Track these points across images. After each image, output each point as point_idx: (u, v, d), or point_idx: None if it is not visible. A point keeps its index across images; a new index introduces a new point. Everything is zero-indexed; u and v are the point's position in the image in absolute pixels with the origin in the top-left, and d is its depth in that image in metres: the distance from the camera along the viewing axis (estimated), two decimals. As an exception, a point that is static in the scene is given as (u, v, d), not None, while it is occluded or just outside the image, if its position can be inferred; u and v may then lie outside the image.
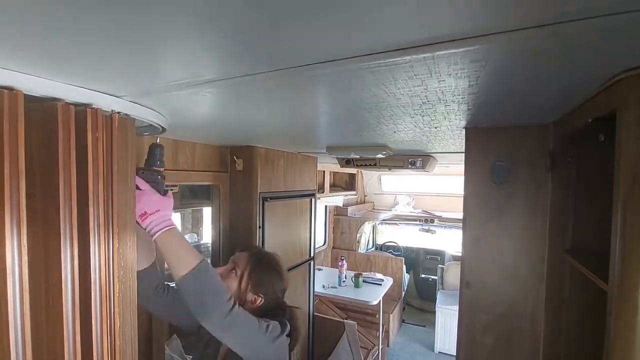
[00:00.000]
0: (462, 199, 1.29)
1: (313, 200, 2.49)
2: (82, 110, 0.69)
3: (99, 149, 0.70)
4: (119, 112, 0.74)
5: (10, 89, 0.58)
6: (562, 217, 1.10)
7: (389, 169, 2.37)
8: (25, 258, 0.59)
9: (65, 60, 0.56)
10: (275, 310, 1.11)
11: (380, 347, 3.58)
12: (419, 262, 5.47)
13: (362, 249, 4.94)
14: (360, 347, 3.09)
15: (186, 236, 1.85)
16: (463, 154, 1.30)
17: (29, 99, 0.61)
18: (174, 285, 1.00)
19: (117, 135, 0.74)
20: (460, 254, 1.34)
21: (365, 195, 5.25)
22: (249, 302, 1.08)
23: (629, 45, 0.51)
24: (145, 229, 0.87)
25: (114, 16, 0.41)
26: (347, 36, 0.48)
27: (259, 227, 1.87)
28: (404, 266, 4.66)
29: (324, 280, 3.70)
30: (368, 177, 5.07)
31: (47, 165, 0.63)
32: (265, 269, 1.13)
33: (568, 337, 1.08)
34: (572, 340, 1.08)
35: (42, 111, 0.64)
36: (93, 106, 0.71)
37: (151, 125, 0.92)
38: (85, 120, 0.69)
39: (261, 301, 1.09)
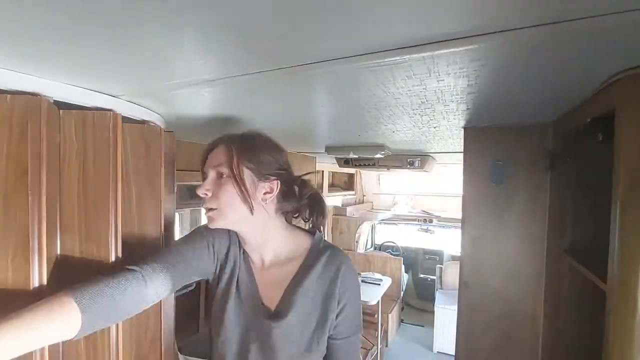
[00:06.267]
0: (461, 198, 1.29)
1: (312, 200, 2.48)
2: (80, 111, 0.69)
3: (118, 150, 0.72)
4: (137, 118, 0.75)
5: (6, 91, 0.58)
6: (561, 216, 1.10)
7: (388, 169, 2.36)
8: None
9: (61, 59, 0.55)
10: (299, 188, 0.83)
11: (379, 347, 3.58)
12: (418, 262, 5.47)
13: (360, 249, 4.94)
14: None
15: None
16: (462, 154, 1.30)
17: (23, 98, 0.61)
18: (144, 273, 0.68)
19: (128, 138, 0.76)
20: (459, 254, 1.34)
21: (364, 195, 5.25)
22: (268, 194, 0.77)
23: (628, 45, 0.51)
24: None
25: (111, 16, 0.41)
26: (346, 35, 0.48)
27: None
28: (403, 266, 4.66)
29: (322, 280, 3.68)
30: (367, 177, 5.07)
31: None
32: (256, 147, 0.77)
33: (567, 336, 1.09)
34: (571, 340, 1.08)
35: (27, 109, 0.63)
36: (91, 106, 0.71)
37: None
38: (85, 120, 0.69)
39: (278, 184, 0.77)
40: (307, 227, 0.88)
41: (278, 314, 0.77)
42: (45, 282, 0.62)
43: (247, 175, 0.74)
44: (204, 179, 0.77)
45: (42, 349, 0.60)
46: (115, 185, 0.72)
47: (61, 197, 0.69)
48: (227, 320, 0.78)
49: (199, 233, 0.81)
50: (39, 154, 0.61)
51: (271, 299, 0.79)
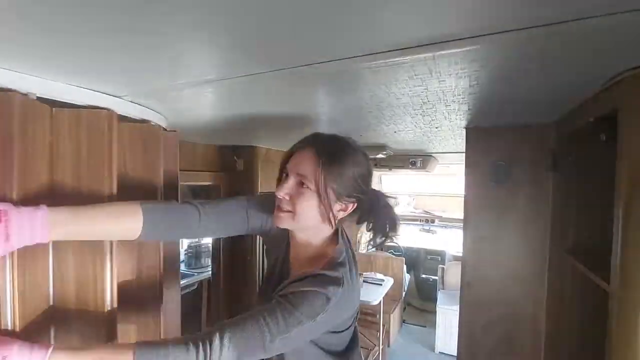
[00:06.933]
0: (462, 199, 1.29)
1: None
2: (83, 110, 0.69)
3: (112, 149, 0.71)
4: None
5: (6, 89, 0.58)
6: (563, 217, 1.10)
7: (390, 169, 2.36)
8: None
9: (65, 60, 0.56)
10: (374, 207, 0.82)
11: (381, 347, 3.57)
12: (420, 262, 5.45)
13: (362, 249, 4.94)
14: (361, 347, 3.08)
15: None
16: (464, 154, 1.30)
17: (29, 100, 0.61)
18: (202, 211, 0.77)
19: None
20: (461, 254, 1.33)
21: (366, 196, 5.24)
22: (341, 212, 0.78)
23: (631, 44, 0.51)
24: None
25: (114, 17, 0.41)
26: (348, 36, 0.48)
27: (260, 228, 1.86)
28: (405, 266, 4.65)
29: (324, 280, 3.68)
30: (368, 177, 5.06)
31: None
32: (343, 164, 0.75)
33: (569, 336, 1.08)
34: (573, 340, 1.07)
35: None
36: (92, 106, 0.71)
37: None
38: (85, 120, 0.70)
39: (354, 205, 0.78)
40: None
41: None
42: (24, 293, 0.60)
43: (330, 193, 0.74)
44: (281, 176, 0.78)
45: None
46: (110, 184, 0.71)
47: (54, 196, 0.68)
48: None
49: (269, 200, 0.82)
50: (11, 152, 0.58)
51: None
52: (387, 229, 0.85)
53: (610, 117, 0.66)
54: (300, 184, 0.74)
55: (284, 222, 0.76)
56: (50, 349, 0.54)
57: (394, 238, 0.87)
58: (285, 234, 0.86)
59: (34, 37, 0.46)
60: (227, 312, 1.91)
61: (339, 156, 0.75)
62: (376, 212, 0.83)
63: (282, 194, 0.74)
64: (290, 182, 0.75)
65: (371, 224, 0.84)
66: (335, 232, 0.84)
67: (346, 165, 0.75)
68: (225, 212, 0.82)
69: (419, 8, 0.40)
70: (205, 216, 0.77)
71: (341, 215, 0.78)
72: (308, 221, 0.76)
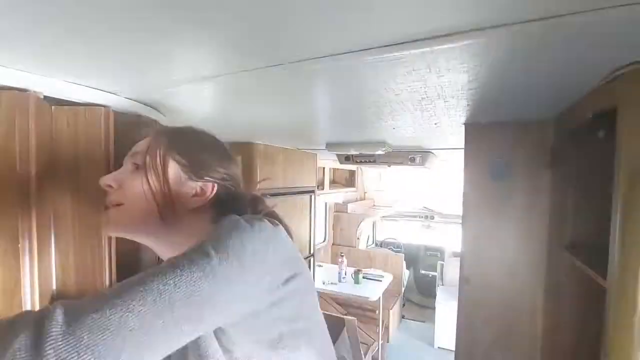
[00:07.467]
0: (461, 195, 1.29)
1: (313, 197, 2.48)
2: (80, 108, 0.69)
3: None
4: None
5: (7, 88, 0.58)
6: (561, 213, 1.10)
7: (389, 166, 2.36)
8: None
9: (60, 56, 0.55)
10: (251, 205, 0.64)
11: (380, 342, 3.60)
12: (419, 258, 5.48)
13: (362, 246, 4.95)
14: (360, 342, 3.10)
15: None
16: (463, 150, 1.30)
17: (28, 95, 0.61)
18: None
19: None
20: (460, 250, 1.34)
21: (365, 192, 5.25)
22: (194, 197, 0.58)
23: (630, 39, 0.50)
24: None
25: (110, 12, 0.41)
26: (346, 31, 0.48)
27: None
28: (404, 262, 4.68)
29: (324, 276, 3.71)
30: (368, 174, 5.06)
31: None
32: (194, 144, 0.62)
33: (567, 332, 1.09)
34: (570, 336, 1.08)
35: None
36: (89, 103, 0.71)
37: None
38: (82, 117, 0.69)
39: (213, 188, 0.59)
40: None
41: None
42: (36, 282, 0.62)
43: (172, 167, 0.57)
44: None
45: None
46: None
47: (54, 194, 0.69)
48: None
49: None
50: (27, 150, 0.60)
51: None
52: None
53: (609, 113, 0.66)
54: (134, 167, 0.58)
55: (112, 222, 0.57)
56: None
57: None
58: None
59: (32, 35, 0.46)
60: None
61: (191, 135, 0.63)
62: (255, 202, 0.65)
63: (105, 181, 0.57)
64: (121, 169, 0.59)
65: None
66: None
67: (200, 145, 0.62)
68: None
69: (417, 2, 0.39)
70: None
71: (196, 201, 0.58)
72: (144, 214, 0.55)
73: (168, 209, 0.56)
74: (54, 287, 0.70)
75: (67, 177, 0.70)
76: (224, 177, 0.61)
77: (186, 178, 0.58)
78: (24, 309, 0.60)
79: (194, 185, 0.58)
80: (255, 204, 0.65)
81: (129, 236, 0.60)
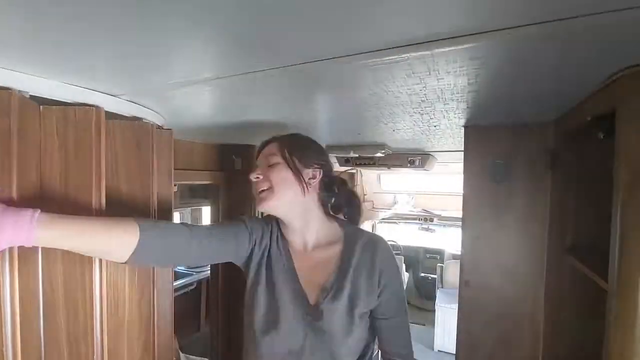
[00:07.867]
0: (461, 197, 1.29)
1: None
2: (70, 108, 0.68)
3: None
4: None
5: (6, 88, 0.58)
6: (562, 215, 1.10)
7: (388, 168, 2.36)
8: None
9: (61, 58, 0.55)
10: (338, 185, 0.94)
11: (380, 345, 3.58)
12: (419, 260, 5.47)
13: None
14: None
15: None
16: (462, 153, 1.30)
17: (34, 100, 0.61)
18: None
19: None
20: (459, 253, 1.34)
21: (365, 194, 5.24)
22: (312, 180, 0.87)
23: (629, 42, 0.51)
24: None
25: (111, 14, 0.41)
26: (346, 34, 0.48)
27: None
28: (404, 265, 4.66)
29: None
30: (367, 176, 5.06)
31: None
32: (303, 144, 0.90)
33: (568, 335, 1.08)
34: (571, 339, 1.08)
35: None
36: (81, 103, 0.70)
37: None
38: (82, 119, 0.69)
39: (320, 173, 0.88)
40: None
41: (327, 295, 0.82)
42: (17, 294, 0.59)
43: (296, 160, 0.85)
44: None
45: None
46: (98, 183, 0.70)
47: (42, 195, 0.67)
48: (258, 305, 0.84)
49: (241, 220, 0.88)
50: (9, 151, 0.58)
51: (313, 282, 0.85)
52: (352, 206, 0.97)
53: (609, 115, 0.66)
54: (270, 165, 0.84)
55: (266, 201, 0.82)
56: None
57: (360, 212, 0.98)
58: (285, 250, 0.89)
59: (27, 34, 0.46)
60: (226, 311, 1.90)
61: (297, 137, 0.91)
62: (339, 188, 0.94)
63: (255, 175, 0.84)
64: (261, 167, 0.86)
65: (342, 197, 0.95)
66: (329, 215, 0.92)
67: (304, 141, 0.91)
68: (224, 237, 0.83)
69: (417, 5, 0.40)
70: (196, 238, 0.76)
71: (313, 182, 0.87)
72: (287, 193, 0.82)
73: (300, 186, 0.83)
74: (41, 297, 0.67)
75: (57, 179, 0.68)
76: (322, 163, 0.90)
77: (303, 167, 0.85)
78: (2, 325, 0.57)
79: (308, 172, 0.86)
80: (341, 184, 0.95)
81: (272, 210, 0.86)
